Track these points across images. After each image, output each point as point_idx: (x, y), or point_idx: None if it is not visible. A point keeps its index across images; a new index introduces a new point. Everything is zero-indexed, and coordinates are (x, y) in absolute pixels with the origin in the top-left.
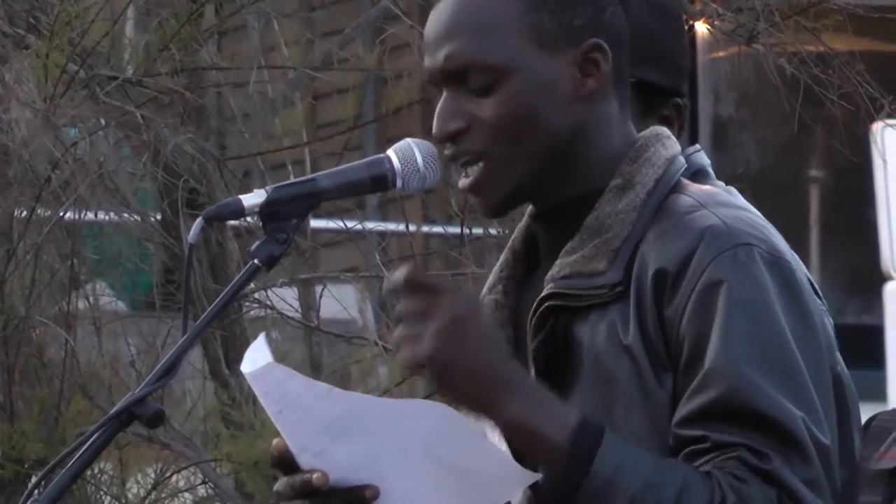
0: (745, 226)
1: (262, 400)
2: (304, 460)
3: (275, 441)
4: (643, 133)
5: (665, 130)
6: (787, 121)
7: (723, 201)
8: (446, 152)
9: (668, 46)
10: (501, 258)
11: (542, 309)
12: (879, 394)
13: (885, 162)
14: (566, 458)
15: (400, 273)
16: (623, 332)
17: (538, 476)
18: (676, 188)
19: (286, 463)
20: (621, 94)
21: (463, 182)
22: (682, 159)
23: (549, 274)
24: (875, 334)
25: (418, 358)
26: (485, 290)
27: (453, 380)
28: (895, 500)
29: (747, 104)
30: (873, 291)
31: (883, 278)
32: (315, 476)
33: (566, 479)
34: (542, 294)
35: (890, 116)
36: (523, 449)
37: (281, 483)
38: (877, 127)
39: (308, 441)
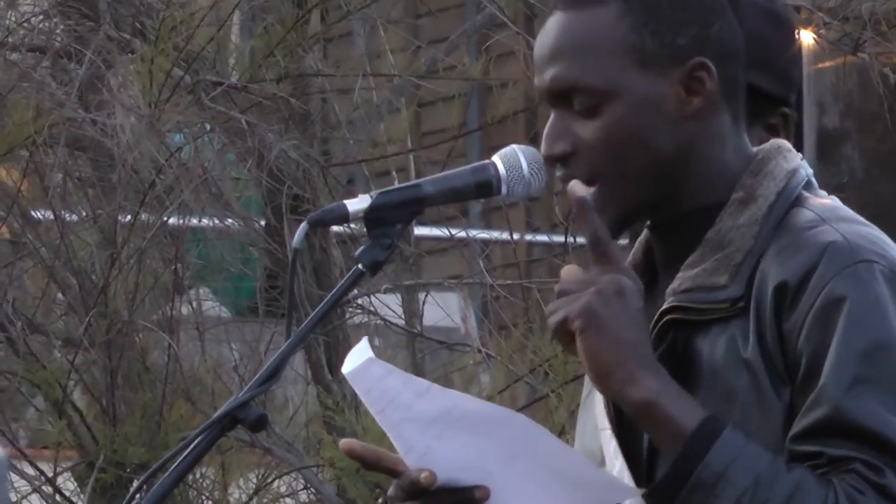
0: (865, 242)
1: (364, 400)
2: (411, 460)
3: (342, 441)
4: (764, 146)
5: (786, 143)
6: (891, 131)
7: (844, 216)
8: (557, 173)
9: (779, 54)
10: None
11: (663, 322)
12: None
13: None
14: (687, 442)
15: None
16: (742, 346)
17: (641, 491)
18: (798, 202)
19: (364, 461)
20: (733, 108)
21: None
22: (803, 172)
23: (671, 287)
24: None
25: (571, 312)
26: None
27: (599, 343)
28: None
29: (852, 114)
30: None
31: None
32: (423, 476)
33: (681, 464)
34: (664, 307)
35: None
36: (649, 428)
37: (392, 486)
38: None
39: (413, 440)
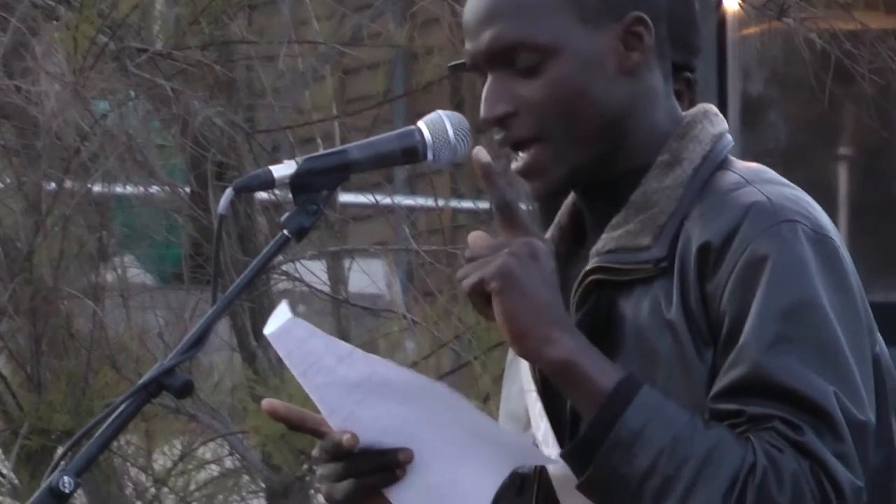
0: (789, 202)
1: (286, 361)
2: (334, 422)
3: (265, 401)
4: (690, 110)
5: (712, 108)
6: (816, 97)
7: (768, 178)
8: (496, 137)
9: (678, 22)
10: (548, 234)
11: (586, 282)
12: None
13: None
14: (605, 402)
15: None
16: (666, 307)
17: (553, 459)
18: (723, 165)
19: (287, 421)
20: (664, 66)
21: (515, 166)
22: (729, 137)
23: (594, 248)
24: None
25: (486, 274)
26: None
27: (516, 303)
28: None
29: (777, 81)
30: None
31: None
32: (345, 438)
33: (599, 423)
34: (587, 268)
35: None
36: (566, 388)
37: (316, 448)
38: None
39: (335, 403)
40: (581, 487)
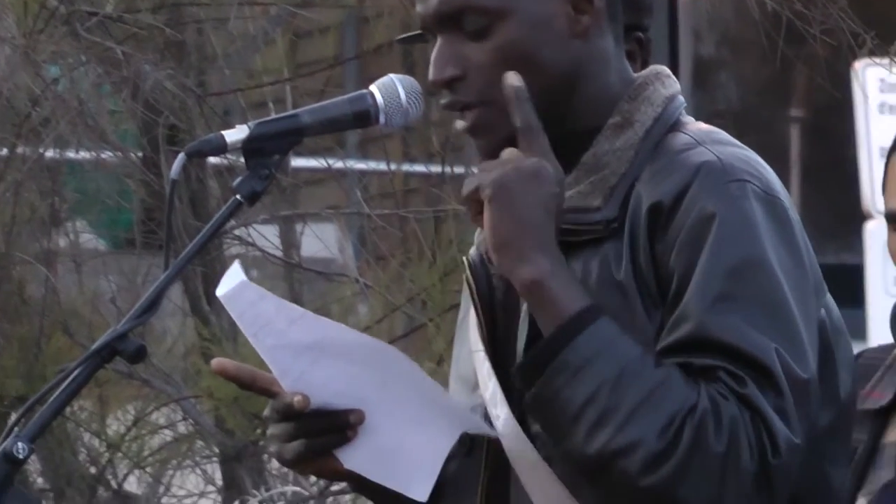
0: (740, 163)
1: (238, 323)
2: (286, 383)
3: (214, 360)
4: (642, 72)
5: (665, 69)
6: (767, 59)
7: (719, 139)
8: (443, 100)
9: None
10: None
11: None
12: (860, 332)
13: (866, 99)
14: (562, 324)
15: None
16: (616, 268)
17: (496, 432)
18: (675, 127)
19: (238, 381)
20: (616, 29)
21: (461, 125)
22: (681, 98)
23: None
24: (855, 273)
25: (483, 181)
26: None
27: (503, 215)
28: (881, 439)
29: (728, 42)
30: (853, 230)
31: (863, 217)
32: (296, 399)
33: (551, 344)
34: None
35: (872, 53)
36: (534, 308)
37: (267, 408)
38: (859, 64)
39: (287, 365)
40: (526, 407)
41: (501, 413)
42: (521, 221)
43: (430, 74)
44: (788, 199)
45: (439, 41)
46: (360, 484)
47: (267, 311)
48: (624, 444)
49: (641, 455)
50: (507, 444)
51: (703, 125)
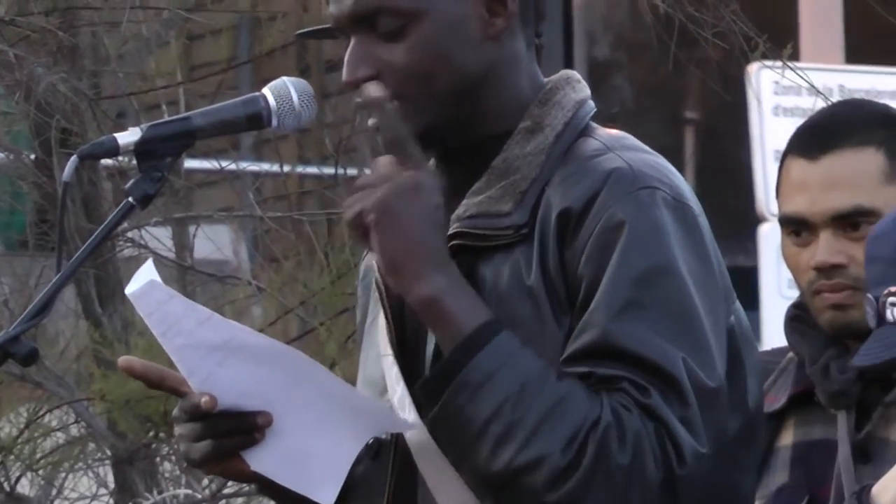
0: (650, 169)
1: (146, 321)
2: (194, 383)
3: (122, 359)
4: (553, 76)
5: (575, 74)
6: (661, 62)
7: (629, 145)
8: (357, 100)
9: None
10: None
11: (447, 248)
12: (754, 335)
13: (759, 102)
14: (461, 342)
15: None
16: (526, 274)
17: (411, 426)
18: (585, 132)
19: (146, 379)
20: (527, 33)
21: (373, 122)
22: (591, 103)
23: (455, 213)
24: (749, 275)
25: (366, 205)
26: None
27: (390, 237)
28: (775, 442)
29: (622, 46)
30: (747, 233)
31: (757, 220)
32: (204, 400)
33: (451, 363)
34: (448, 233)
35: (764, 56)
36: (432, 326)
37: (176, 407)
38: (752, 68)
39: (195, 365)
40: (429, 425)
41: (409, 417)
42: (410, 241)
43: (344, 75)
44: (698, 206)
45: (353, 42)
46: (266, 486)
47: (175, 311)
48: (529, 460)
49: (546, 471)
50: (414, 448)
51: (613, 130)
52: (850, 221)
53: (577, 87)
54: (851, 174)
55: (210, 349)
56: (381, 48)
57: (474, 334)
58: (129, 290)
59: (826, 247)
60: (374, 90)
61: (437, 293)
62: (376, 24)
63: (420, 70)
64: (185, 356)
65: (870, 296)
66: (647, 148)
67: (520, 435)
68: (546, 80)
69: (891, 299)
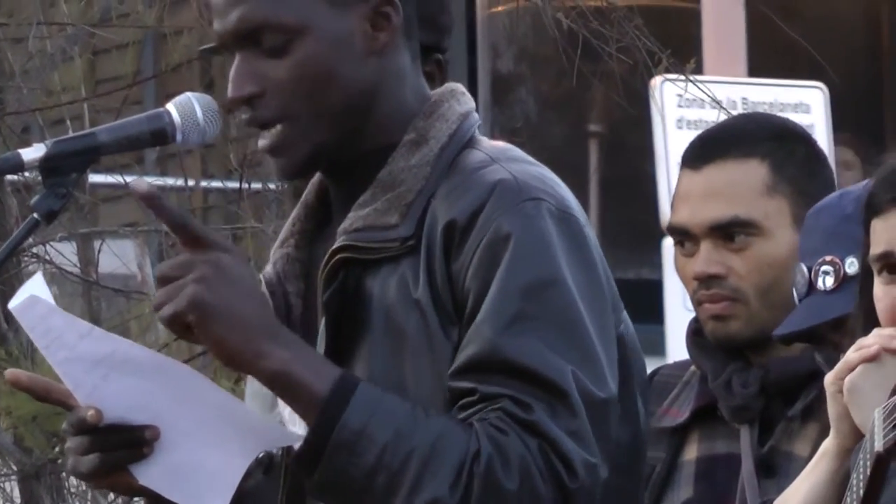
0: (534, 181)
1: (30, 335)
2: (80, 397)
3: (8, 371)
4: (438, 89)
5: (459, 87)
6: (565, 75)
7: (514, 157)
8: (243, 116)
9: (427, 2)
10: (294, 212)
11: (333, 261)
12: (658, 348)
13: (662, 116)
14: (323, 406)
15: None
16: (413, 286)
17: (301, 439)
18: (470, 144)
19: (33, 392)
20: (412, 46)
21: (262, 144)
22: (476, 115)
23: (342, 226)
24: (653, 289)
25: (179, 307)
26: (277, 243)
27: (216, 329)
28: (678, 457)
29: (526, 59)
30: (652, 246)
31: (661, 233)
32: (89, 413)
33: (319, 428)
34: (334, 246)
35: (668, 71)
36: (287, 399)
37: (65, 421)
38: (655, 81)
39: (79, 378)
40: (312, 492)
41: (300, 431)
42: (238, 327)
43: (229, 92)
44: (584, 217)
45: (238, 59)
46: (155, 500)
47: (57, 325)
48: None
49: None
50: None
51: (497, 142)
52: (726, 232)
53: (461, 100)
54: (731, 185)
55: (93, 362)
56: (265, 65)
57: (333, 394)
58: (12, 304)
59: (705, 257)
60: (140, 185)
61: (283, 366)
62: (260, 41)
63: (304, 86)
64: (70, 370)
65: (802, 265)
66: (531, 159)
67: (405, 483)
68: (431, 93)
69: (824, 267)
